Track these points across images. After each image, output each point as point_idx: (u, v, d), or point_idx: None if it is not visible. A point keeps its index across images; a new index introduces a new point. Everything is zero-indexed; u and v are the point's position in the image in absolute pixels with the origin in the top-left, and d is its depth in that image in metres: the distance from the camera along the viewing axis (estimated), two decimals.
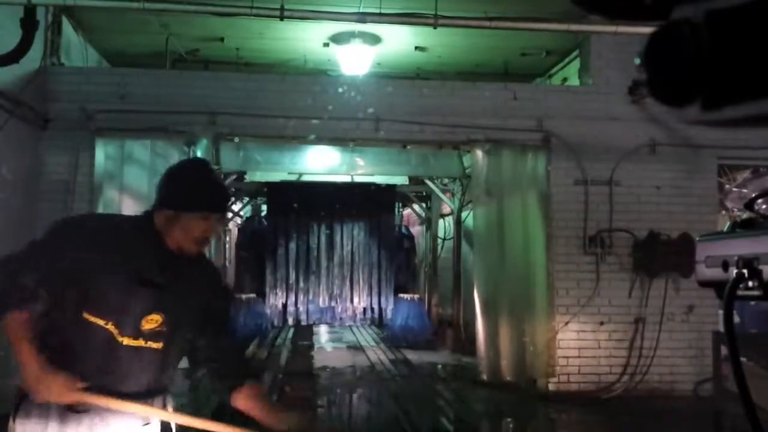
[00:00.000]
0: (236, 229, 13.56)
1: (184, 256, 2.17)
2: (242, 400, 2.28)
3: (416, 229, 14.02)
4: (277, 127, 7.16)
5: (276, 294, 12.13)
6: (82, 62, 7.80)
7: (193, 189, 2.16)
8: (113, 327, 2.05)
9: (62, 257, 2.03)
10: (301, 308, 12.42)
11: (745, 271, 0.92)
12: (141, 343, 2.09)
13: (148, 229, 2.14)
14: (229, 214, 12.80)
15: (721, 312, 0.94)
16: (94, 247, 2.05)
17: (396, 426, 6.21)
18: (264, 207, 13.35)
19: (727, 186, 8.95)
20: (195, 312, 2.21)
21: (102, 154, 6.92)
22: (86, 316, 2.03)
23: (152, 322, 2.10)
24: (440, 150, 8.53)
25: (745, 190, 8.93)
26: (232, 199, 2.50)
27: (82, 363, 2.04)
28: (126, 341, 2.07)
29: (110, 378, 2.07)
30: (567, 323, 7.28)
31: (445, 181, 10.76)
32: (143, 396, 2.13)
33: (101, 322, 2.04)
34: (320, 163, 9.39)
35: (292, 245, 12.12)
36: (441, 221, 11.98)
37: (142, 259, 2.10)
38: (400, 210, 14.28)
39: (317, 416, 6.67)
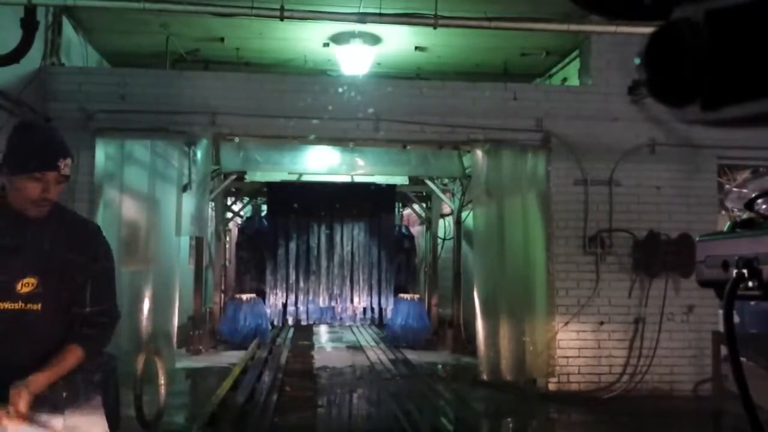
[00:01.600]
0: (236, 229, 13.57)
1: (47, 218, 2.19)
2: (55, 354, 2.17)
3: (416, 229, 14.02)
4: (277, 127, 7.16)
5: (276, 294, 12.14)
6: (82, 62, 7.81)
7: (17, 150, 2.17)
8: None
9: None
10: (301, 308, 12.42)
11: (745, 271, 0.92)
12: (20, 305, 2.14)
13: (1, 198, 2.19)
14: (231, 217, 12.80)
15: (721, 312, 0.94)
16: None
17: (396, 426, 6.21)
18: (264, 207, 13.36)
19: (727, 186, 8.94)
20: (71, 273, 2.22)
21: (102, 154, 6.91)
22: None
23: (28, 285, 2.15)
24: (440, 150, 8.53)
25: (745, 190, 8.93)
26: (68, 155, 2.37)
27: None
28: (2, 305, 2.12)
29: (6, 347, 2.11)
30: (567, 323, 7.28)
31: (445, 181, 10.76)
32: (34, 365, 2.11)
33: None
34: (320, 163, 9.38)
35: (292, 245, 12.13)
36: (441, 221, 11.98)
37: (1, 227, 2.16)
38: (400, 210, 14.29)
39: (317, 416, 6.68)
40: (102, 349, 2.35)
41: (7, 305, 2.13)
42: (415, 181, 11.75)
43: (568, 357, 7.31)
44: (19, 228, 2.17)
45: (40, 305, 2.16)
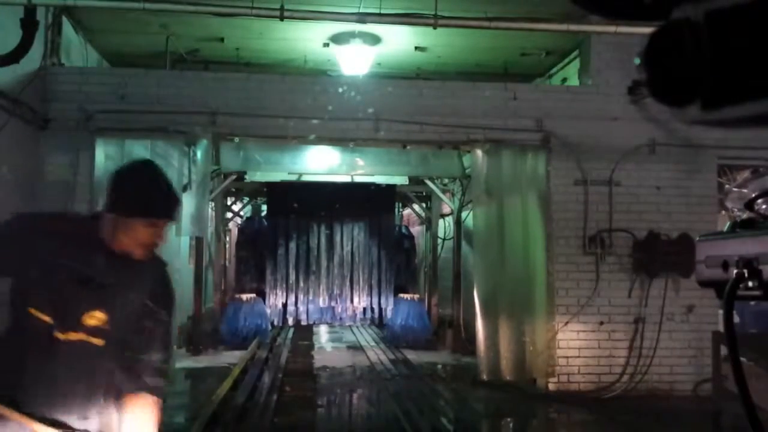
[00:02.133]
0: (236, 229, 13.57)
1: (134, 259, 2.15)
2: (130, 409, 2.16)
3: (416, 229, 14.02)
4: (277, 127, 7.16)
5: (276, 294, 12.14)
6: (82, 62, 7.81)
7: (139, 194, 2.12)
8: (54, 321, 2.07)
9: (12, 263, 2.04)
10: (301, 308, 12.42)
11: (745, 271, 0.92)
12: (82, 336, 2.10)
13: (92, 231, 2.13)
14: (231, 217, 12.82)
15: (721, 312, 0.94)
16: (38, 248, 2.07)
17: (396, 426, 6.21)
18: (264, 207, 13.36)
19: (727, 186, 8.94)
20: (135, 315, 2.19)
21: (102, 154, 6.92)
22: (31, 311, 2.05)
23: (95, 318, 2.11)
24: (440, 150, 8.53)
25: (745, 190, 8.92)
26: (180, 202, 2.42)
27: (24, 356, 2.06)
28: (64, 336, 2.08)
29: (49, 371, 2.08)
30: (567, 323, 7.28)
31: (445, 181, 10.76)
32: (83, 395, 2.11)
33: (44, 317, 2.06)
34: (320, 163, 9.38)
35: (292, 245, 12.13)
36: (441, 221, 11.98)
37: (83, 259, 2.11)
38: (400, 210, 14.29)
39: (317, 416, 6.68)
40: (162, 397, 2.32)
41: (71, 336, 2.09)
42: (415, 181, 11.74)
43: (568, 357, 7.31)
44: (104, 264, 2.12)
45: (103, 341, 2.13)
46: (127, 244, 2.11)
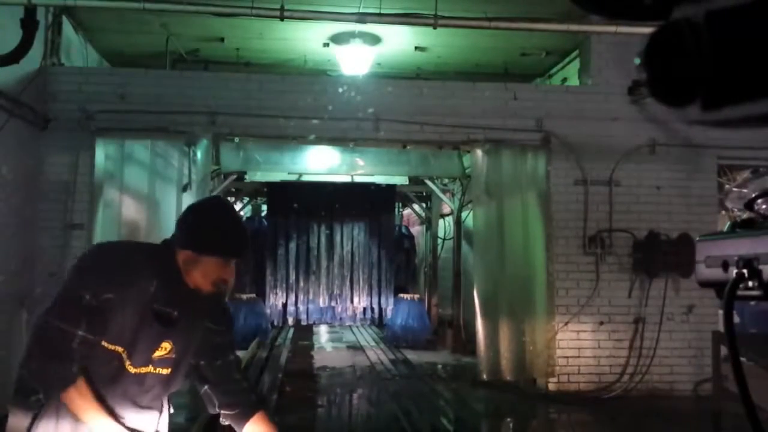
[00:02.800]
0: None
1: (208, 295, 2.19)
2: (251, 430, 2.31)
3: (416, 229, 14.02)
4: (277, 127, 7.16)
5: (276, 294, 12.12)
6: (82, 62, 7.80)
7: (215, 233, 2.14)
8: (125, 356, 2.08)
9: (91, 297, 2.02)
10: (301, 308, 12.41)
11: (745, 271, 0.92)
12: (150, 369, 2.14)
13: (169, 265, 2.13)
14: None
15: (721, 312, 0.94)
16: (116, 284, 2.06)
17: (396, 426, 6.21)
18: (264, 207, 13.36)
19: (727, 186, 8.94)
20: (201, 339, 2.26)
21: (102, 154, 6.91)
22: (104, 344, 2.05)
23: (162, 350, 2.14)
24: (440, 150, 8.53)
25: (745, 190, 8.92)
26: (249, 240, 2.49)
27: (94, 384, 2.07)
28: (135, 370, 2.11)
29: (116, 398, 2.12)
30: (567, 323, 7.28)
31: (445, 181, 10.75)
32: (145, 409, 2.20)
33: (117, 349, 2.07)
34: (320, 163, 9.38)
35: (292, 245, 12.12)
36: (441, 221, 11.98)
37: (160, 295, 2.10)
38: (400, 210, 14.28)
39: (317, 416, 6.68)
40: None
41: (142, 370, 2.12)
42: (415, 181, 11.74)
43: (568, 357, 7.31)
44: (180, 298, 2.14)
45: (169, 369, 2.17)
46: (198, 281, 2.14)
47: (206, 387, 2.32)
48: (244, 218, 13.60)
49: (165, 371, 2.16)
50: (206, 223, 2.17)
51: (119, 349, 2.06)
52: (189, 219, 2.19)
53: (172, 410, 2.37)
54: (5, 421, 2.11)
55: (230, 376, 2.34)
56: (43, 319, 2.01)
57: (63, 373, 1.97)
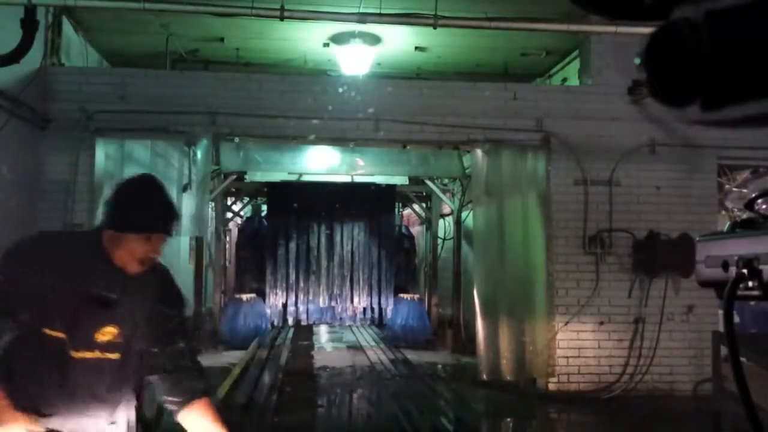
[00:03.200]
0: (236, 229, 13.56)
1: (145, 274, 2.18)
2: (191, 417, 2.24)
3: (416, 229, 14.02)
4: (277, 127, 7.16)
5: (276, 294, 12.13)
6: (82, 62, 7.80)
7: (134, 210, 2.13)
8: (67, 340, 2.08)
9: (20, 286, 2.05)
10: (301, 308, 12.42)
11: (745, 271, 0.92)
12: (97, 354, 2.12)
13: (96, 247, 2.14)
14: (231, 217, 12.82)
15: (721, 312, 0.94)
16: (45, 268, 2.07)
17: (396, 426, 6.21)
18: (264, 207, 13.36)
19: (727, 186, 8.94)
20: (149, 322, 2.22)
21: (102, 154, 6.92)
22: (45, 331, 2.07)
23: (107, 334, 2.13)
24: (440, 150, 8.53)
25: (745, 190, 8.93)
26: (179, 217, 2.42)
27: (40, 375, 2.08)
28: (79, 354, 2.10)
29: (67, 389, 2.11)
30: (567, 323, 7.28)
31: (445, 181, 10.75)
32: (101, 404, 2.17)
33: (59, 335, 2.07)
34: (320, 163, 9.38)
35: (292, 245, 12.12)
36: (441, 221, 11.97)
37: (91, 276, 2.12)
38: (400, 210, 14.28)
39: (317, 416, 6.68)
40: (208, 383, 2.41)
41: (86, 354, 2.11)
42: (415, 181, 11.74)
43: (568, 357, 7.31)
44: (110, 279, 2.14)
45: (119, 355, 2.16)
46: (123, 259, 2.13)
47: (156, 377, 2.28)
48: (244, 218, 13.61)
49: (113, 356, 2.14)
50: (124, 201, 2.16)
51: (60, 334, 2.07)
52: (111, 197, 2.19)
53: (135, 402, 2.33)
54: None
55: (180, 363, 2.27)
56: None
57: None
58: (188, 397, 2.23)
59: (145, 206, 2.16)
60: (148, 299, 2.22)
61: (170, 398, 2.25)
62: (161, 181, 2.32)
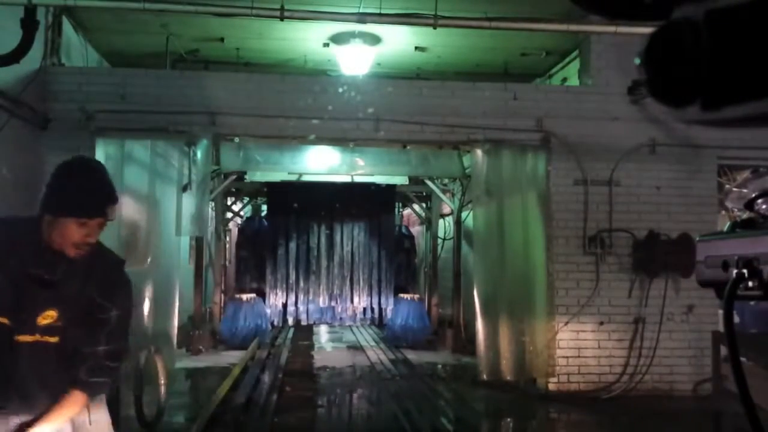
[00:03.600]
0: (236, 229, 13.56)
1: (85, 258, 2.16)
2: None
3: (416, 229, 14.02)
4: (277, 127, 7.16)
5: (276, 294, 12.13)
6: (82, 62, 7.80)
7: (66, 193, 2.12)
8: (9, 324, 2.08)
9: None
10: (301, 308, 12.41)
11: (745, 271, 0.92)
12: (37, 337, 2.12)
13: (35, 230, 2.13)
14: (231, 217, 12.80)
15: (721, 312, 0.94)
16: None
17: (396, 426, 6.21)
18: (264, 207, 13.36)
19: (727, 186, 8.94)
20: (86, 308, 2.20)
21: (102, 154, 6.91)
22: None
23: (48, 317, 2.13)
24: (440, 150, 8.53)
25: (745, 190, 8.93)
26: (116, 200, 2.29)
27: None
28: (22, 338, 2.10)
29: (16, 376, 2.11)
30: (567, 323, 7.28)
31: (445, 181, 10.76)
32: (49, 392, 2.15)
33: (2, 320, 2.08)
34: (320, 163, 9.39)
35: (292, 245, 12.12)
36: (441, 221, 11.97)
37: (30, 259, 2.12)
38: (400, 210, 14.28)
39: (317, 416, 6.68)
40: (105, 391, 2.34)
41: (26, 338, 2.11)
42: (415, 181, 11.74)
43: (568, 357, 7.31)
44: (49, 262, 2.13)
45: (58, 338, 2.15)
46: (59, 243, 2.12)
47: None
48: (244, 218, 13.61)
49: (53, 339, 2.13)
50: (58, 183, 2.16)
51: (4, 320, 2.07)
52: (47, 182, 2.19)
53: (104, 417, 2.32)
54: None
55: (95, 363, 2.21)
56: None
57: None
58: (71, 384, 2.19)
59: (77, 189, 2.14)
60: (89, 286, 2.20)
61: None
62: (98, 164, 2.30)
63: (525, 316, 7.21)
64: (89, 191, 2.16)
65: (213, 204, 10.34)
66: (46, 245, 2.13)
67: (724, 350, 6.26)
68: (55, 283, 2.13)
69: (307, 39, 8.23)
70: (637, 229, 7.38)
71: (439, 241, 11.97)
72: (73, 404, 2.18)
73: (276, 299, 12.16)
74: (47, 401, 2.15)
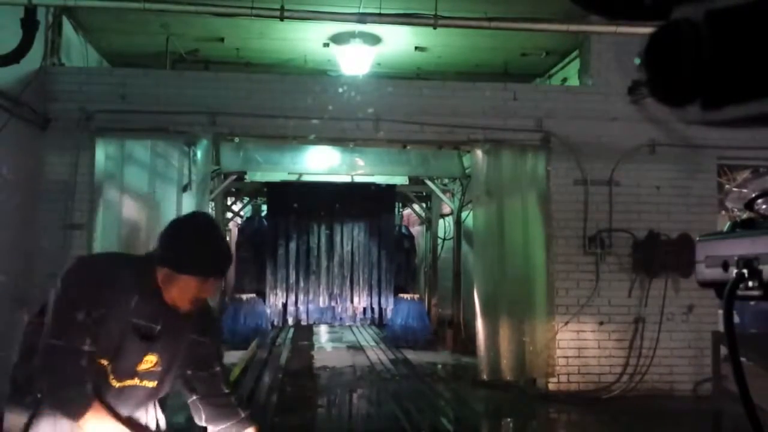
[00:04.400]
0: (236, 229, 13.56)
1: (192, 312, 2.19)
2: None
3: (416, 229, 14.02)
4: (277, 127, 7.16)
5: (276, 294, 12.13)
6: (82, 62, 7.80)
7: (193, 252, 2.11)
8: (110, 369, 2.09)
9: (84, 314, 2.02)
10: (301, 308, 12.42)
11: (745, 271, 0.91)
12: (136, 382, 2.14)
13: (148, 280, 2.12)
14: (231, 217, 12.81)
15: (721, 312, 0.94)
16: (103, 298, 2.05)
17: (396, 426, 6.21)
18: (264, 207, 13.36)
19: (727, 186, 8.94)
20: (188, 351, 2.25)
21: (102, 154, 6.91)
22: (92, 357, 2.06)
23: (148, 363, 2.14)
24: (440, 150, 8.53)
25: (745, 190, 8.93)
26: (231, 259, 2.49)
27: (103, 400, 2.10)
28: (120, 384, 2.11)
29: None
30: (567, 323, 7.28)
31: (445, 181, 10.76)
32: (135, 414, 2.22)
33: (103, 363, 2.08)
34: (320, 163, 9.39)
35: (292, 245, 12.12)
36: (441, 221, 11.98)
37: (142, 310, 2.11)
38: (400, 210, 14.28)
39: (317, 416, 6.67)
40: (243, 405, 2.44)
41: (126, 383, 2.13)
42: (415, 181, 11.75)
43: (568, 357, 7.31)
44: (158, 312, 2.13)
45: (155, 382, 2.18)
46: (175, 297, 2.12)
47: (195, 397, 2.31)
48: (244, 218, 13.62)
49: (151, 384, 2.17)
50: (185, 241, 2.13)
51: (104, 362, 2.07)
52: (169, 235, 2.16)
53: (161, 415, 2.37)
54: (1, 421, 2.12)
55: (217, 389, 2.31)
56: (46, 342, 2.01)
57: (80, 397, 1.99)
58: (236, 427, 2.30)
59: (204, 250, 2.14)
60: (189, 331, 2.24)
61: (213, 426, 2.31)
62: (216, 221, 2.33)
63: (525, 316, 7.20)
64: (215, 251, 2.17)
65: (213, 204, 10.34)
66: (159, 296, 2.12)
67: (724, 350, 6.26)
68: (159, 333, 2.14)
69: (307, 39, 8.23)
70: (637, 229, 7.38)
71: (439, 241, 11.97)
72: None
73: (276, 299, 12.16)
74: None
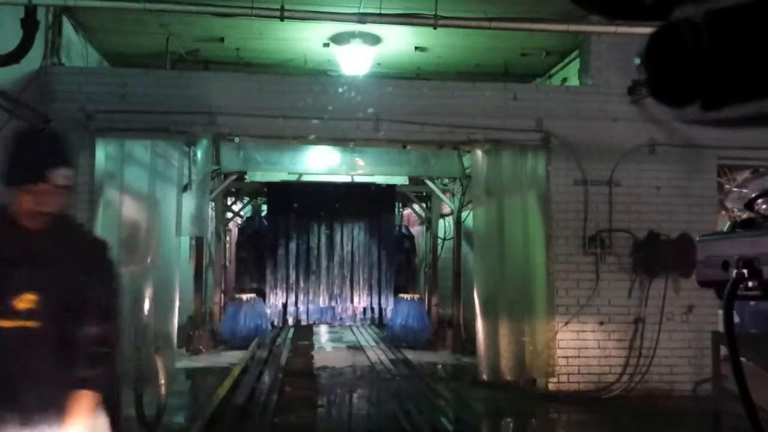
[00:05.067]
0: (236, 229, 13.56)
1: (50, 231, 2.15)
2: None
3: (416, 229, 14.02)
4: (277, 127, 7.16)
5: (276, 294, 12.13)
6: (82, 62, 7.80)
7: (9, 162, 2.13)
8: None
9: None
10: (301, 308, 12.42)
11: (745, 271, 0.92)
12: (19, 323, 2.09)
13: (3, 211, 2.15)
14: (231, 217, 12.79)
15: (721, 312, 0.94)
16: None
17: (396, 426, 6.21)
18: (264, 207, 13.36)
19: (727, 186, 8.94)
20: (73, 291, 2.16)
21: (102, 154, 6.91)
22: None
23: (26, 301, 2.10)
24: (440, 150, 8.53)
25: (745, 190, 8.92)
26: (63, 165, 2.15)
27: None
28: (1, 323, 2.08)
29: (4, 367, 2.08)
30: (567, 323, 7.28)
31: (445, 181, 10.75)
32: (39, 391, 2.10)
33: None
34: (320, 163, 9.39)
35: (292, 245, 12.12)
36: (441, 221, 11.97)
37: (3, 241, 2.11)
38: (400, 210, 14.28)
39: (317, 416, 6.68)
40: (110, 382, 2.29)
41: (6, 323, 2.08)
42: (415, 181, 11.74)
43: (568, 357, 7.31)
44: (19, 241, 2.12)
45: (40, 323, 2.11)
46: (21, 215, 2.13)
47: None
48: (244, 218, 13.61)
49: (34, 324, 2.09)
50: (4, 155, 2.16)
51: None
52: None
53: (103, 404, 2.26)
54: None
55: (89, 350, 2.17)
56: None
57: None
58: (73, 384, 2.15)
59: (19, 157, 2.14)
60: (69, 268, 2.17)
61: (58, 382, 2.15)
62: (45, 131, 2.31)
63: (525, 316, 7.20)
64: (29, 157, 2.15)
65: (213, 204, 10.34)
66: (13, 223, 2.14)
67: (724, 350, 6.26)
68: (26, 263, 2.10)
69: (307, 39, 8.23)
70: (637, 230, 7.38)
71: (439, 241, 11.97)
72: (86, 407, 2.13)
73: (276, 299, 12.16)
74: (39, 402, 2.09)
